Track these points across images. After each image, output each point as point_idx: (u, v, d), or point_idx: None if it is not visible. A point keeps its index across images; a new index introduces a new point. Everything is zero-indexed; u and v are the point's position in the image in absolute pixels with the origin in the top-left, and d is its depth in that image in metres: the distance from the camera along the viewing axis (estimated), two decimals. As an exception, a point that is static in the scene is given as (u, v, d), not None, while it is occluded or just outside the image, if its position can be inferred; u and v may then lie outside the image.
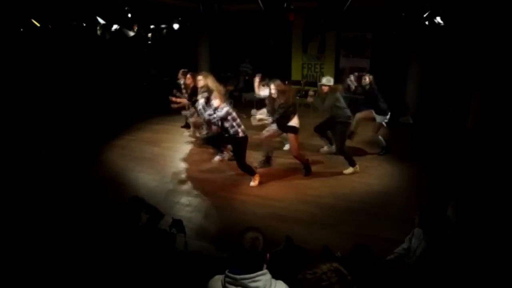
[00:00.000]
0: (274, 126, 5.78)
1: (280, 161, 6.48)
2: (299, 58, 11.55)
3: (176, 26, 10.30)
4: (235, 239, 1.92)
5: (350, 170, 5.98)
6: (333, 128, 6.05)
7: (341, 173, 5.97)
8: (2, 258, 3.12)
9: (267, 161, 6.23)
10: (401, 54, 9.61)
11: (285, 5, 8.17)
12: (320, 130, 6.49)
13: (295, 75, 11.61)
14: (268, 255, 1.94)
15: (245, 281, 1.82)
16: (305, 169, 5.92)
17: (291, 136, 5.65)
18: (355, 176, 5.88)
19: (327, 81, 5.87)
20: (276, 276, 1.92)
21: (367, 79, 6.47)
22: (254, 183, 5.57)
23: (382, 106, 6.48)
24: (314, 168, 6.19)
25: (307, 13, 10.34)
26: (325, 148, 6.77)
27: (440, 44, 8.30)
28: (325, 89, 5.85)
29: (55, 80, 8.86)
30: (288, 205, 5.04)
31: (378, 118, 6.58)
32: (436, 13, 6.84)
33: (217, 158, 6.03)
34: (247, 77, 11.35)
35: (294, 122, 5.54)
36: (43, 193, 5.03)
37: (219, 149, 5.97)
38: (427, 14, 7.11)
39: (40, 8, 6.87)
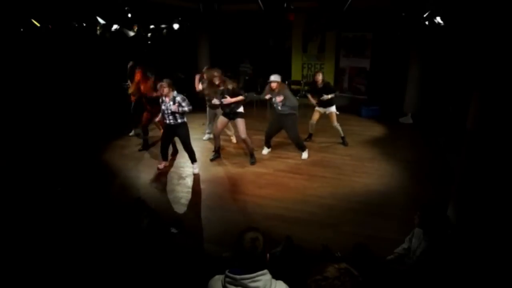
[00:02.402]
0: (221, 117, 6.32)
1: (279, 161, 6.49)
2: (299, 58, 11.55)
3: (176, 26, 10.29)
4: (235, 239, 1.92)
5: (305, 155, 6.59)
6: (284, 124, 6.32)
7: (341, 173, 5.98)
8: (4, 258, 3.12)
9: (219, 153, 6.66)
10: (401, 54, 9.61)
11: (285, 5, 8.18)
12: (270, 137, 6.74)
13: (295, 75, 11.61)
14: (268, 255, 1.94)
15: (245, 281, 1.82)
16: (251, 156, 6.41)
17: (240, 121, 6.14)
18: (355, 176, 5.89)
19: (276, 78, 6.13)
20: (276, 276, 1.92)
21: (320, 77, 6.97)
22: (196, 170, 6.05)
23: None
24: (314, 168, 6.20)
25: (307, 13, 10.35)
26: (266, 151, 6.85)
27: (440, 44, 8.31)
28: (274, 85, 6.10)
29: (55, 80, 8.86)
30: (288, 205, 5.04)
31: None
32: (436, 13, 6.84)
33: (162, 165, 6.24)
34: (247, 77, 11.35)
35: (241, 108, 6.16)
36: (44, 192, 5.04)
37: (166, 158, 6.24)
38: (427, 14, 7.11)
39: (40, 8, 6.87)
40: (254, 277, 1.83)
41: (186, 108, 5.57)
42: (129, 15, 8.17)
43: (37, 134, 7.32)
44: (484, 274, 2.83)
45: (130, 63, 7.18)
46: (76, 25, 8.33)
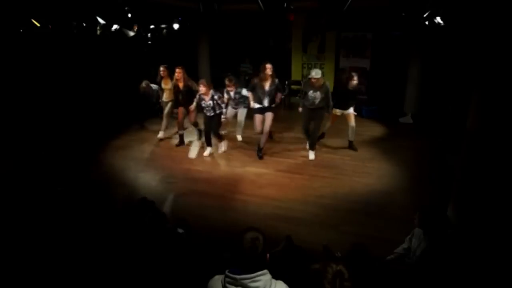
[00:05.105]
0: (257, 115, 6.55)
1: (280, 161, 6.49)
2: (299, 58, 11.54)
3: (176, 26, 10.29)
4: (236, 239, 1.92)
5: (313, 156, 6.59)
6: (315, 116, 6.43)
7: (342, 174, 5.98)
8: (5, 258, 3.12)
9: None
10: (401, 54, 9.61)
11: (285, 5, 8.17)
12: (308, 130, 6.70)
13: (295, 75, 11.60)
14: (268, 255, 1.94)
15: (245, 281, 1.82)
16: (259, 150, 6.63)
17: (271, 114, 6.46)
18: (355, 176, 5.89)
19: (316, 74, 6.14)
20: (276, 276, 1.92)
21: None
22: (223, 148, 6.87)
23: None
24: (314, 168, 6.21)
25: (307, 13, 10.34)
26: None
27: (440, 44, 8.31)
28: (314, 81, 6.12)
29: (55, 80, 8.86)
30: (289, 205, 5.04)
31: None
32: (436, 13, 6.85)
33: (207, 152, 6.78)
34: (247, 77, 11.34)
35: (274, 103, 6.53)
36: (44, 192, 5.03)
37: (210, 144, 6.77)
38: (427, 14, 7.11)
39: (40, 8, 6.87)
40: (254, 277, 1.83)
41: (223, 105, 6.44)
42: (129, 15, 8.17)
43: (37, 134, 7.32)
44: (484, 274, 2.83)
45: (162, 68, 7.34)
46: (76, 25, 8.34)
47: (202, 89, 6.19)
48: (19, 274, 2.96)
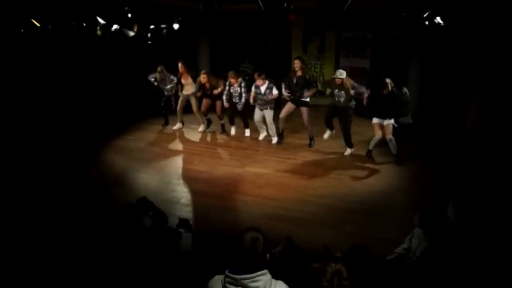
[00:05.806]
0: (289, 104, 6.94)
1: (279, 161, 6.49)
2: (299, 58, 11.52)
3: (176, 26, 10.29)
4: (236, 239, 1.92)
5: (349, 151, 6.72)
6: (340, 115, 6.52)
7: (342, 173, 5.98)
8: (5, 258, 3.12)
9: (283, 135, 7.29)
10: (401, 54, 9.61)
11: (285, 5, 8.17)
12: (329, 122, 6.78)
13: (295, 75, 11.58)
14: (268, 255, 1.94)
15: (245, 281, 1.82)
16: (311, 139, 7.09)
17: (305, 109, 6.79)
18: (355, 176, 5.89)
19: (340, 74, 6.25)
20: (276, 276, 1.92)
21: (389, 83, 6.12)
22: (247, 133, 7.69)
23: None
24: (314, 168, 6.21)
25: (307, 13, 10.34)
26: (328, 134, 6.91)
27: (440, 44, 8.31)
28: (338, 81, 6.22)
29: (55, 80, 8.86)
30: (288, 205, 5.03)
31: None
32: (436, 13, 6.84)
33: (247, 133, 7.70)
34: (247, 77, 11.35)
35: (307, 98, 6.77)
36: (44, 193, 5.03)
37: (233, 123, 7.71)
38: (427, 14, 7.11)
39: (40, 8, 6.88)
40: (254, 277, 1.83)
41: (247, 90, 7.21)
42: (129, 15, 8.18)
43: (37, 134, 7.31)
44: (484, 274, 2.83)
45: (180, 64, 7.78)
46: (76, 25, 8.33)
47: (231, 80, 7.12)
48: (19, 274, 2.96)
